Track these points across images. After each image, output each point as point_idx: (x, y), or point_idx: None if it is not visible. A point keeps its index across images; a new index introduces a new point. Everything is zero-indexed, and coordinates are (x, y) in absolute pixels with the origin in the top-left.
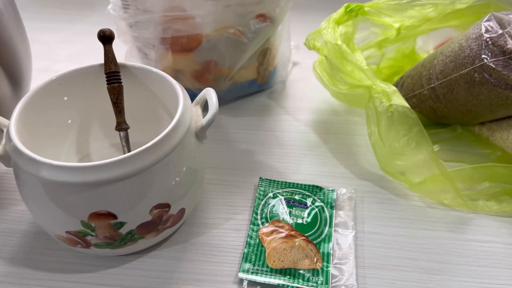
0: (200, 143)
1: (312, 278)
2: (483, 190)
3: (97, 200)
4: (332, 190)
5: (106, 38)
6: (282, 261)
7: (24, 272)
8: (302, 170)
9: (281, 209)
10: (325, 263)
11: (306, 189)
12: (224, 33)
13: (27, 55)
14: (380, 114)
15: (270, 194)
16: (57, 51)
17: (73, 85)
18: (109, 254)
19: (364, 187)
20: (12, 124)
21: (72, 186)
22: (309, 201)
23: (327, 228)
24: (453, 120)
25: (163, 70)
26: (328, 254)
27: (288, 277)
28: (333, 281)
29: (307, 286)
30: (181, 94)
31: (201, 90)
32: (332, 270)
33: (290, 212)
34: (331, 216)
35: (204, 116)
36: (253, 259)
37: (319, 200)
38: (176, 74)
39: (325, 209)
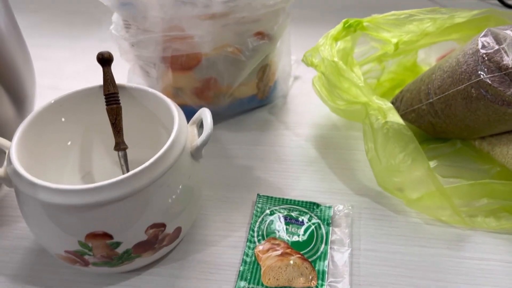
0: (196, 162)
1: None
2: (482, 207)
3: (93, 221)
4: (329, 207)
5: (104, 60)
6: (277, 279)
7: None
8: (301, 186)
9: (278, 226)
10: (320, 281)
11: (303, 205)
12: (222, 52)
13: (30, 75)
14: (376, 131)
15: (267, 211)
16: (63, 68)
17: (74, 107)
18: (107, 272)
19: (362, 203)
20: (13, 147)
21: (68, 208)
22: (305, 218)
23: (323, 245)
24: (452, 135)
25: (164, 88)
26: (324, 272)
27: None
28: None
29: None
30: (177, 114)
31: (201, 106)
32: None
33: (287, 229)
34: (327, 233)
35: (200, 135)
36: (249, 277)
37: (315, 217)
38: (177, 92)
39: (322, 226)
